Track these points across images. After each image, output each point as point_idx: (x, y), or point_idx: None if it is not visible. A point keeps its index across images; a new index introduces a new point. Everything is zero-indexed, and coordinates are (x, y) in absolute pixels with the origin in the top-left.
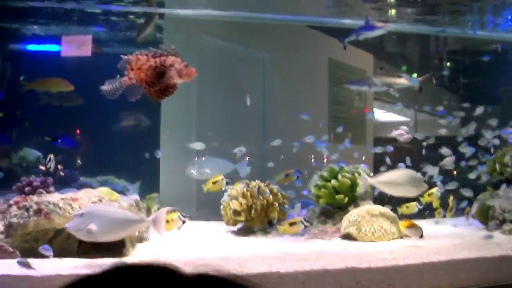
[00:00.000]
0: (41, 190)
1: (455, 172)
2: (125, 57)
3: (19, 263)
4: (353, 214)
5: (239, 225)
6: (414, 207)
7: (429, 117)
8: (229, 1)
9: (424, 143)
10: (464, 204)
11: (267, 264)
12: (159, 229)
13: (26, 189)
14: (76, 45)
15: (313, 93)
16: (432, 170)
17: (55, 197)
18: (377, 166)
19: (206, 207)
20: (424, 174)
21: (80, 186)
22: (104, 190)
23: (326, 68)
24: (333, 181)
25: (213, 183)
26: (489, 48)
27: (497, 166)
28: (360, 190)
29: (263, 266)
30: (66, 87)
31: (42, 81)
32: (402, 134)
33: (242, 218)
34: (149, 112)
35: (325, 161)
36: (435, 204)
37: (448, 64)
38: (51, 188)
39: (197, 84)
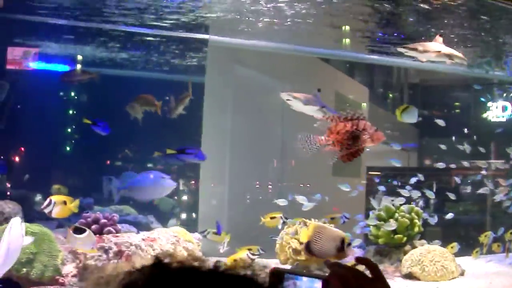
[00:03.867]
0: (110, 228)
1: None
2: (324, 119)
3: None
4: (415, 253)
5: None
6: (456, 247)
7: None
8: (269, 32)
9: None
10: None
11: None
12: None
13: (93, 226)
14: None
15: (322, 124)
16: None
17: (135, 238)
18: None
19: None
20: None
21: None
22: (179, 230)
23: (333, 101)
24: (392, 221)
25: (271, 218)
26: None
27: None
28: None
29: None
30: None
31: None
32: None
33: (303, 258)
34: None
35: None
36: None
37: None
38: (118, 226)
39: (232, 110)
